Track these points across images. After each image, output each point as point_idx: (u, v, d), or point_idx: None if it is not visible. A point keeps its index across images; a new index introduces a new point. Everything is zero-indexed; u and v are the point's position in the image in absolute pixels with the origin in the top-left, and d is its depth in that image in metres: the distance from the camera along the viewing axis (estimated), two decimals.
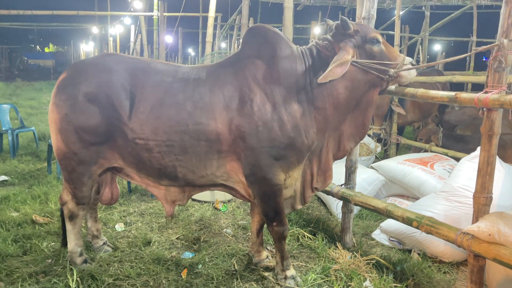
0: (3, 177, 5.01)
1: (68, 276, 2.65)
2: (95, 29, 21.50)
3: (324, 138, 2.69)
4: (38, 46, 51.03)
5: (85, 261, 2.93)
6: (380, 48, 2.61)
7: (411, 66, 2.64)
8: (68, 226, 2.90)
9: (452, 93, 2.49)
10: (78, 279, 2.67)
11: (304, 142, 2.55)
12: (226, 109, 2.53)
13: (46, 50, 50.78)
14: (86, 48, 22.27)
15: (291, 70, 2.57)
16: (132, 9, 12.52)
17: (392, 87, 2.93)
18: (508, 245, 2.16)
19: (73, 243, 2.91)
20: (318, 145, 2.69)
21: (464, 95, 2.41)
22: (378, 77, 2.59)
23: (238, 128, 2.51)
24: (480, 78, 4.75)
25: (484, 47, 2.28)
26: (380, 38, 2.62)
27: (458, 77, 4.86)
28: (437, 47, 18.11)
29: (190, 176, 2.65)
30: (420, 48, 12.32)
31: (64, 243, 3.03)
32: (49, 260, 3.01)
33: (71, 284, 2.60)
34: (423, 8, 10.69)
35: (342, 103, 2.60)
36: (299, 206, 2.86)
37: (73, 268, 2.79)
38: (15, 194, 4.32)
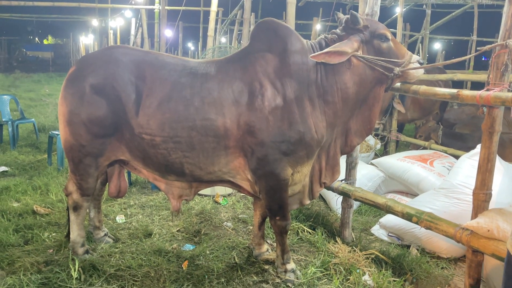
0: (3, 168, 5.02)
1: (70, 266, 2.67)
2: (95, 22, 21.39)
3: (333, 133, 2.71)
4: (37, 38, 50.87)
5: (86, 252, 2.95)
6: (389, 45, 2.62)
7: (417, 65, 2.66)
8: (72, 216, 2.91)
9: (454, 91, 2.51)
10: (80, 269, 2.70)
11: (313, 137, 2.56)
12: (235, 104, 2.53)
13: (45, 42, 50.67)
14: (86, 40, 22.16)
15: (302, 64, 2.58)
16: (133, 2, 12.48)
17: (397, 84, 2.95)
18: (507, 241, 2.19)
19: (75, 233, 2.92)
20: (327, 140, 2.71)
21: (466, 92, 2.44)
22: (383, 74, 2.61)
23: (247, 123, 2.51)
24: (480, 76, 4.78)
25: (489, 46, 2.30)
26: (389, 35, 2.63)
27: (459, 75, 4.91)
28: (437, 46, 18.13)
29: (198, 172, 2.65)
30: (420, 46, 12.33)
31: (68, 235, 3.04)
32: (51, 250, 3.03)
33: (73, 274, 2.62)
34: (424, 6, 10.68)
35: (351, 98, 2.63)
36: (307, 201, 2.88)
37: (75, 258, 2.81)
38: (15, 185, 4.34)
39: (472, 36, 11.19)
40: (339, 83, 2.60)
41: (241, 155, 2.60)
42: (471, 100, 2.38)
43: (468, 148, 3.99)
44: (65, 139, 2.75)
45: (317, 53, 2.50)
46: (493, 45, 2.27)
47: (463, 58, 2.67)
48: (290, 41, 2.61)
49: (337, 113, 2.65)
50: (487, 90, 2.29)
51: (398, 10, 6.74)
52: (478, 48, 2.39)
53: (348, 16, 2.58)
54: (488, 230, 2.24)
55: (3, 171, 4.95)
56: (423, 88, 2.77)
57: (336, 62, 2.51)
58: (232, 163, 2.64)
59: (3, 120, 6.31)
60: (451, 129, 6.72)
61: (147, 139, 2.60)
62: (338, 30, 2.66)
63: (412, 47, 13.78)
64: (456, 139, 5.71)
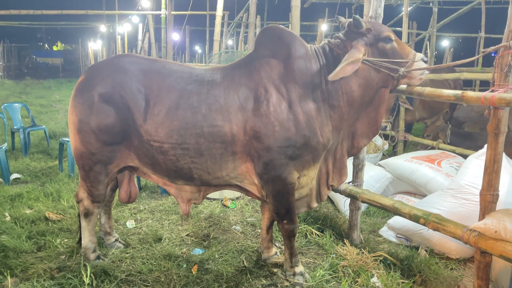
0: (16, 175, 5.11)
1: (82, 272, 2.72)
2: (103, 28, 21.63)
3: (339, 136, 2.73)
4: (46, 45, 51.54)
5: (98, 257, 3.00)
6: (392, 45, 2.63)
7: (422, 63, 2.65)
8: (83, 223, 2.97)
9: (459, 92, 2.51)
10: (91, 274, 2.74)
11: (319, 141, 2.59)
12: (241, 110, 2.56)
13: (55, 48, 51.32)
14: (94, 46, 22.39)
15: (306, 69, 2.61)
16: (140, 8, 12.62)
17: (402, 86, 2.94)
18: None
19: (87, 240, 2.98)
20: (334, 143, 2.73)
21: (470, 93, 2.44)
22: (389, 75, 2.62)
23: (253, 129, 2.54)
24: (488, 75, 4.74)
25: (492, 47, 2.30)
26: (392, 36, 2.64)
27: (465, 74, 4.88)
28: (445, 43, 18.01)
29: (206, 177, 2.69)
30: (428, 44, 12.26)
31: (80, 241, 3.10)
32: (63, 256, 3.08)
33: (85, 280, 2.67)
34: (431, 4, 10.63)
35: (356, 101, 2.64)
36: (315, 204, 2.90)
37: (86, 264, 2.87)
38: (28, 192, 4.41)
39: (480, 33, 11.10)
40: (344, 87, 2.61)
41: (248, 160, 2.63)
42: (475, 101, 2.38)
43: (477, 147, 3.97)
44: (75, 147, 2.81)
45: (333, 73, 2.48)
46: (497, 46, 2.27)
47: (468, 59, 2.64)
48: (294, 46, 2.63)
49: (342, 117, 2.66)
50: (492, 91, 2.29)
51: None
52: (482, 50, 2.39)
53: (351, 20, 2.59)
54: (496, 231, 2.24)
55: (15, 178, 5.04)
56: (427, 90, 2.76)
57: (351, 72, 2.51)
58: (240, 168, 2.67)
59: (15, 127, 6.42)
60: (461, 128, 6.69)
61: (156, 146, 2.64)
62: (340, 34, 2.67)
63: (419, 45, 13.71)
64: (465, 138, 5.69)
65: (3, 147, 4.93)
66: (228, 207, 4.24)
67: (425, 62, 2.69)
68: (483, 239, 2.30)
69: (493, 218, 2.30)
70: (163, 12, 10.27)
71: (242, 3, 12.62)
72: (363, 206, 3.82)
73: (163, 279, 2.82)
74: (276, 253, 3.15)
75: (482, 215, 2.41)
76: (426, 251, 3.29)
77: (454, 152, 4.80)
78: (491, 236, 2.27)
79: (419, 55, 2.69)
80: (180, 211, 2.98)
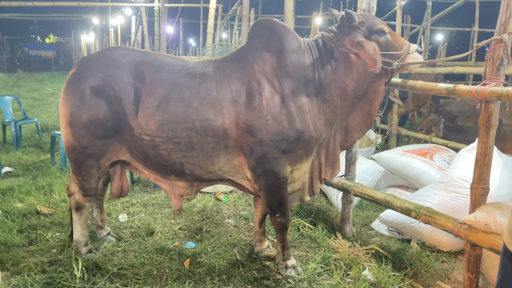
0: (7, 169, 5.07)
1: (74, 265, 2.71)
2: (95, 20, 21.41)
3: (332, 129, 2.73)
4: (39, 37, 51.03)
5: (89, 251, 2.99)
6: (386, 38, 2.62)
7: (416, 54, 2.64)
8: (74, 216, 2.95)
9: (451, 86, 2.51)
10: (83, 268, 2.73)
11: (312, 135, 2.58)
12: (234, 104, 2.54)
13: (47, 41, 50.84)
14: (87, 39, 22.20)
15: (299, 63, 2.59)
16: (133, 0, 12.51)
17: (396, 80, 2.94)
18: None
19: (78, 233, 2.96)
20: (326, 137, 2.73)
21: (462, 87, 2.44)
22: (383, 68, 2.61)
23: (246, 123, 2.52)
24: (481, 69, 4.75)
25: (485, 41, 2.30)
26: (386, 28, 2.63)
27: (458, 68, 4.90)
28: (439, 37, 18.05)
29: (198, 172, 2.67)
30: (422, 38, 12.26)
31: (72, 235, 3.08)
32: (55, 250, 3.07)
33: (76, 273, 2.66)
34: None
35: (349, 95, 2.63)
36: (307, 198, 2.90)
37: (78, 257, 2.85)
38: (19, 185, 4.38)
39: (474, 27, 11.12)
40: (337, 81, 2.60)
41: (241, 154, 2.62)
42: (467, 95, 2.39)
43: (469, 141, 3.98)
44: (66, 141, 2.78)
45: (376, 64, 2.44)
46: (488, 40, 2.27)
47: (461, 55, 2.63)
48: (287, 40, 2.61)
49: (335, 111, 2.66)
50: (483, 84, 2.29)
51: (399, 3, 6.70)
52: (475, 45, 2.39)
53: (343, 13, 2.58)
54: (486, 224, 2.26)
55: (7, 171, 5.00)
56: (420, 83, 2.77)
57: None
58: (232, 162, 2.66)
59: (6, 120, 6.36)
60: (454, 122, 6.73)
61: (147, 140, 2.62)
62: (334, 28, 2.65)
63: (413, 39, 13.71)
64: (458, 132, 5.72)
65: None
66: (221, 201, 4.24)
67: (420, 52, 2.67)
68: (473, 232, 2.32)
69: (483, 211, 2.31)
70: (156, 4, 10.20)
71: None
72: (356, 200, 3.83)
73: (155, 273, 2.81)
74: (268, 247, 3.15)
75: (473, 208, 2.43)
76: (417, 244, 3.32)
77: (446, 145, 4.82)
78: (481, 229, 2.29)
79: (414, 46, 2.67)
80: (172, 206, 2.97)
